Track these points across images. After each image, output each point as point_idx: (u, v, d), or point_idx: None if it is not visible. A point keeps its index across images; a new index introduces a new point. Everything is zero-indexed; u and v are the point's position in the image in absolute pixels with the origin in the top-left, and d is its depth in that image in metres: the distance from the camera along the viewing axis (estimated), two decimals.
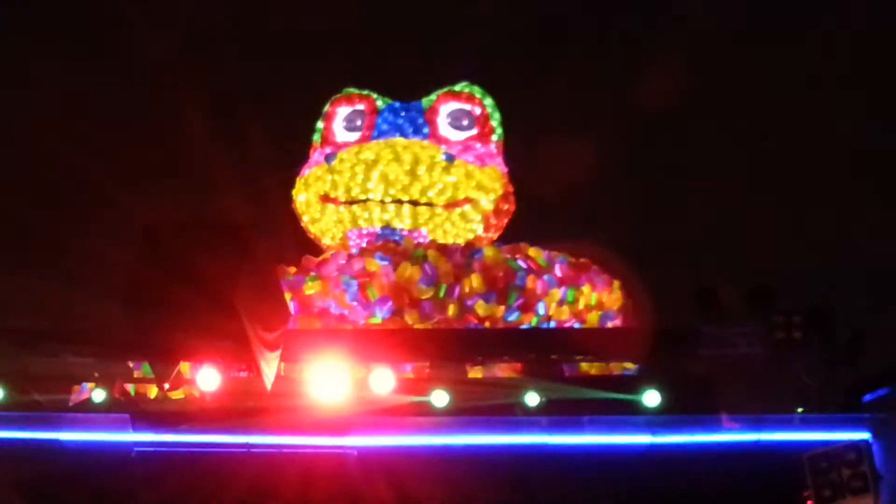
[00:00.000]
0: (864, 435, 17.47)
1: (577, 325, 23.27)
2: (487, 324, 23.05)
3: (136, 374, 20.11)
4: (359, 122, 26.28)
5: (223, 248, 15.89)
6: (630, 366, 21.20)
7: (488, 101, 26.43)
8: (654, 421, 18.82)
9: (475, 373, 21.16)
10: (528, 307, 23.33)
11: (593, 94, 33.13)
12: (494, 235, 25.95)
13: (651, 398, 19.09)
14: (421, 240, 24.83)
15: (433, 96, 26.35)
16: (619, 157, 33.20)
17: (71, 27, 33.65)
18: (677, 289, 22.22)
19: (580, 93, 32.71)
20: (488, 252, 24.13)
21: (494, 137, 26.37)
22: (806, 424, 19.06)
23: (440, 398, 19.10)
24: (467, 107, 26.29)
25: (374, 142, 25.79)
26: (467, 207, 25.46)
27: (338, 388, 19.34)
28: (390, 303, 23.08)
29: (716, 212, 33.14)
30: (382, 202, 25.15)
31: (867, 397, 19.53)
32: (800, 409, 19.43)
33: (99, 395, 19.24)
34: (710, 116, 34.07)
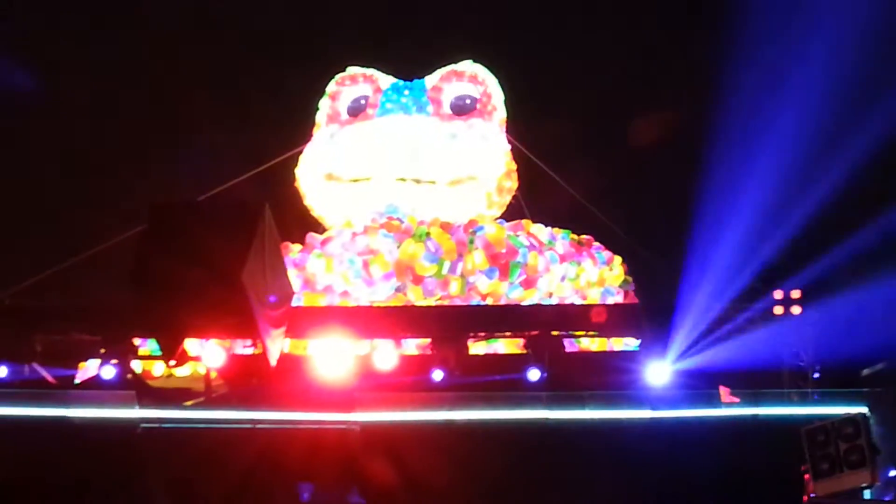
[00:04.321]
0: (862, 409, 17.59)
1: (578, 302, 23.39)
2: (490, 300, 23.20)
3: (142, 351, 20.32)
4: (362, 101, 26.38)
5: (229, 226, 16.00)
6: (632, 341, 21.36)
7: (491, 80, 26.47)
8: (655, 396, 19.03)
9: (477, 349, 21.35)
10: (530, 283, 23.48)
11: (595, 68, 33.09)
12: (497, 212, 26.04)
13: (655, 374, 19.29)
14: (424, 217, 24.94)
15: (436, 75, 26.43)
16: (621, 135, 33.23)
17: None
18: (677, 264, 22.38)
19: (582, 67, 32.68)
20: (491, 229, 24.25)
21: (497, 116, 26.44)
22: (803, 399, 19.27)
23: (440, 374, 19.35)
24: (470, 85, 26.35)
25: (378, 120, 25.93)
26: (470, 185, 25.58)
27: (341, 364, 19.59)
28: (394, 279, 23.23)
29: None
30: (386, 181, 25.28)
31: (864, 372, 19.70)
32: (798, 384, 19.65)
33: (106, 372, 19.46)
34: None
